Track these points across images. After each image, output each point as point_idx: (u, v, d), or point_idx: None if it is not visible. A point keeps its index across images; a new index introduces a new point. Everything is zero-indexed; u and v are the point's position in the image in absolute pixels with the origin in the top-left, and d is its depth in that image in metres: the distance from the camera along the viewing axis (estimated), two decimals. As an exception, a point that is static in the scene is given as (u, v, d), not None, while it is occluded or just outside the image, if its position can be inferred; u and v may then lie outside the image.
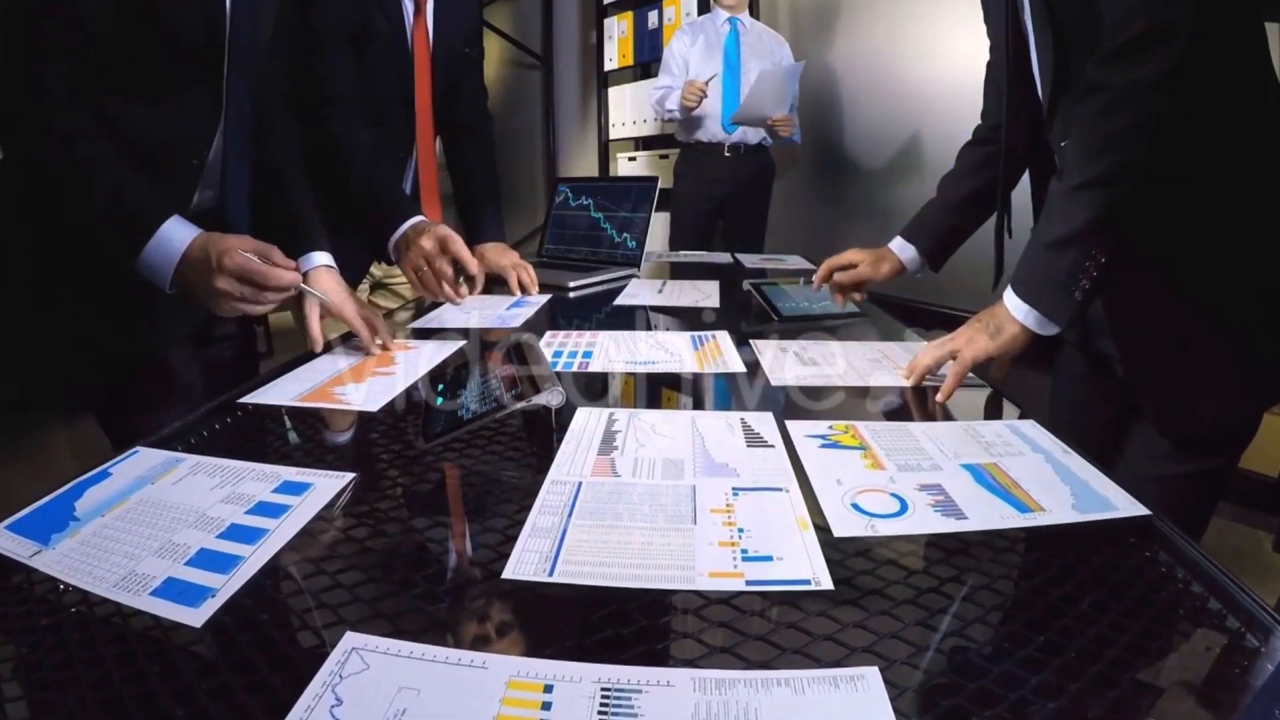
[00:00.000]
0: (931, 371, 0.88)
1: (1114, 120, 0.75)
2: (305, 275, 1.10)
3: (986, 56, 1.12)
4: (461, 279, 1.29)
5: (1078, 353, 1.06)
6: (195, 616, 0.47)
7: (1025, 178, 1.07)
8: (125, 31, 0.86)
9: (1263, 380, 0.86)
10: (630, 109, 3.84)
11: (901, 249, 1.29)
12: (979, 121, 1.22)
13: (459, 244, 1.24)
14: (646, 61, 3.73)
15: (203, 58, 0.96)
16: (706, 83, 2.61)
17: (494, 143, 1.71)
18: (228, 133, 1.03)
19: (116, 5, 0.85)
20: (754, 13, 3.07)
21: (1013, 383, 0.92)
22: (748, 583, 0.47)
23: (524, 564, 0.49)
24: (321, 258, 1.12)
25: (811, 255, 2.07)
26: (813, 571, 0.48)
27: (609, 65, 3.95)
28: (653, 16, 3.62)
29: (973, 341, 0.86)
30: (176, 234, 0.86)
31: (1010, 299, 0.86)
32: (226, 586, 0.50)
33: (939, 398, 0.84)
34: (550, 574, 0.48)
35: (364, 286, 1.57)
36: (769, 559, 0.49)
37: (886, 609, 0.47)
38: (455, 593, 0.48)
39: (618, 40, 3.87)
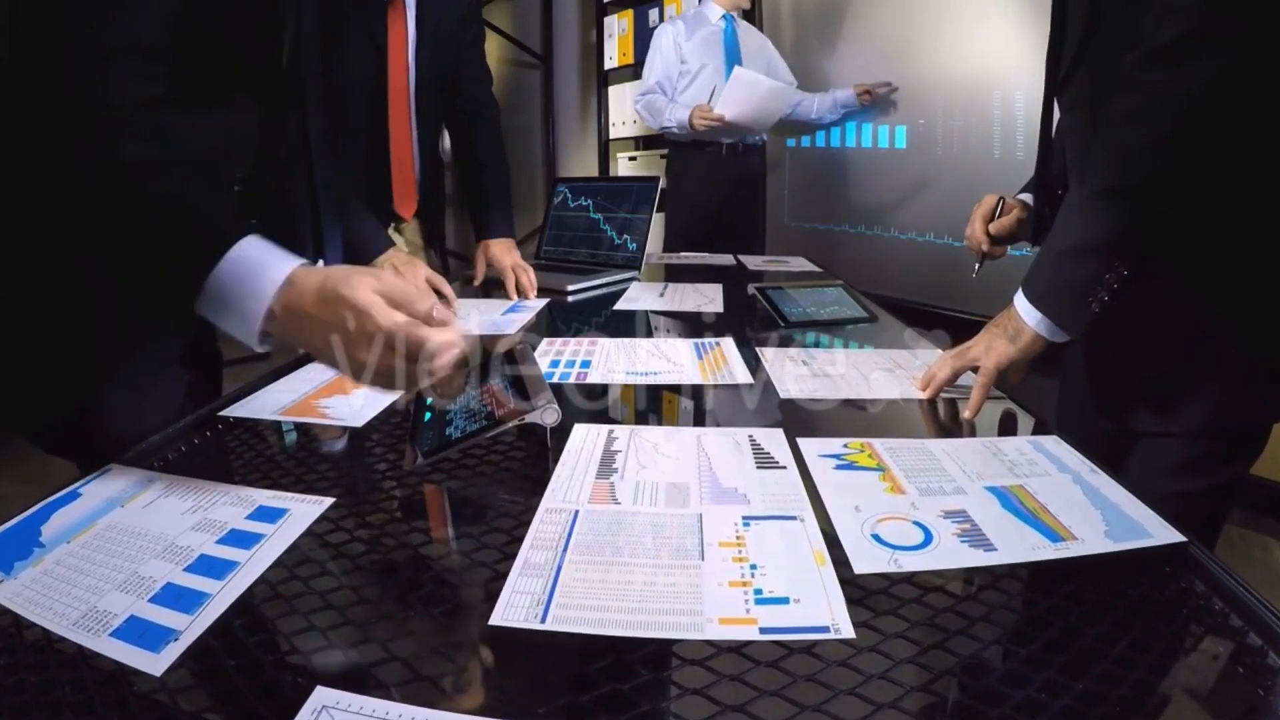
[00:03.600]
0: (949, 384, 0.84)
1: (1150, 127, 0.70)
2: None
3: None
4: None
5: (1082, 356, 1.01)
6: (155, 663, 0.43)
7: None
8: (184, 24, 0.68)
9: (1266, 389, 0.81)
10: (631, 108, 3.79)
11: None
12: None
13: (446, 287, 1.27)
14: (647, 60, 3.68)
15: (260, 59, 0.80)
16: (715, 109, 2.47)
17: (501, 131, 1.65)
18: (315, 150, 0.90)
19: None
20: (755, 9, 3.03)
21: (1018, 387, 0.87)
22: (762, 630, 0.43)
23: (514, 608, 0.44)
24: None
25: (813, 257, 2.03)
26: (832, 617, 0.44)
27: (609, 64, 3.90)
28: (653, 15, 3.57)
29: (992, 349, 0.82)
30: (263, 262, 0.58)
31: (1022, 303, 0.81)
32: (191, 628, 0.46)
33: (967, 414, 0.79)
34: (543, 620, 0.43)
35: None
36: (784, 601, 0.45)
37: (912, 656, 0.43)
38: (437, 641, 0.44)
39: (618, 39, 3.82)
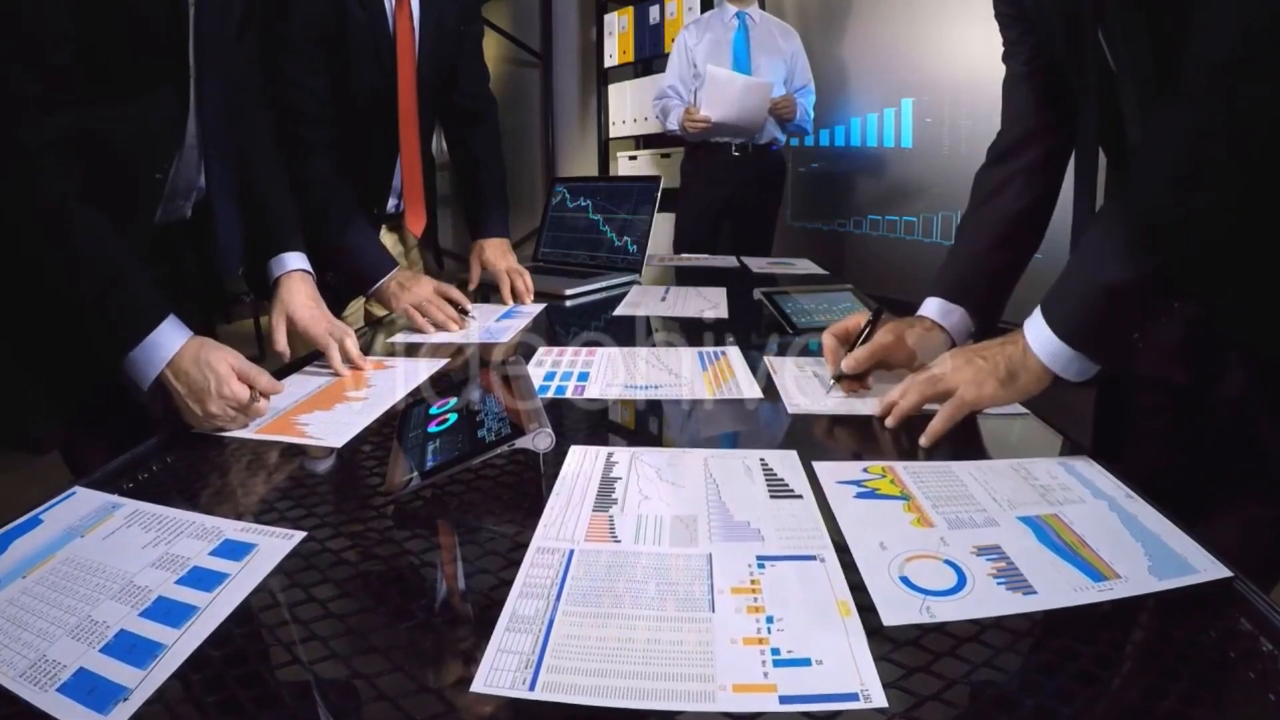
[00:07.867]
0: (913, 414, 0.75)
1: (1213, 147, 0.60)
2: (277, 280, 1.01)
3: (997, 53, 0.98)
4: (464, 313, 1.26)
5: (1138, 381, 0.93)
6: (102, 728, 0.38)
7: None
8: (83, 27, 0.74)
9: None
10: (631, 107, 3.74)
11: (944, 314, 0.92)
12: (991, 120, 1.06)
13: (455, 292, 1.26)
14: (648, 58, 3.64)
15: (167, 51, 0.84)
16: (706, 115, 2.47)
17: (499, 128, 1.60)
18: (204, 136, 0.91)
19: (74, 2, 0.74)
20: (761, 4, 2.98)
21: (1040, 400, 0.81)
22: (781, 700, 0.37)
23: (499, 671, 0.39)
24: (295, 259, 1.02)
25: (818, 258, 1.98)
26: (861, 681, 0.38)
27: (609, 62, 3.85)
28: (654, 11, 3.53)
29: (977, 385, 0.72)
30: (167, 339, 0.77)
31: (1044, 341, 0.69)
32: (143, 685, 0.41)
33: (923, 441, 0.71)
34: (531, 687, 0.38)
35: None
36: (806, 663, 0.40)
37: (949, 723, 0.38)
38: (414, 708, 0.38)
39: (618, 36, 3.78)
